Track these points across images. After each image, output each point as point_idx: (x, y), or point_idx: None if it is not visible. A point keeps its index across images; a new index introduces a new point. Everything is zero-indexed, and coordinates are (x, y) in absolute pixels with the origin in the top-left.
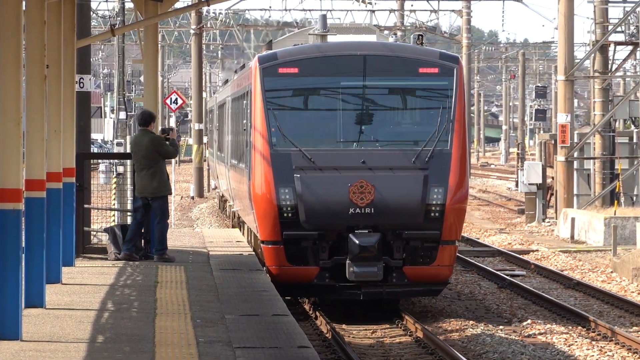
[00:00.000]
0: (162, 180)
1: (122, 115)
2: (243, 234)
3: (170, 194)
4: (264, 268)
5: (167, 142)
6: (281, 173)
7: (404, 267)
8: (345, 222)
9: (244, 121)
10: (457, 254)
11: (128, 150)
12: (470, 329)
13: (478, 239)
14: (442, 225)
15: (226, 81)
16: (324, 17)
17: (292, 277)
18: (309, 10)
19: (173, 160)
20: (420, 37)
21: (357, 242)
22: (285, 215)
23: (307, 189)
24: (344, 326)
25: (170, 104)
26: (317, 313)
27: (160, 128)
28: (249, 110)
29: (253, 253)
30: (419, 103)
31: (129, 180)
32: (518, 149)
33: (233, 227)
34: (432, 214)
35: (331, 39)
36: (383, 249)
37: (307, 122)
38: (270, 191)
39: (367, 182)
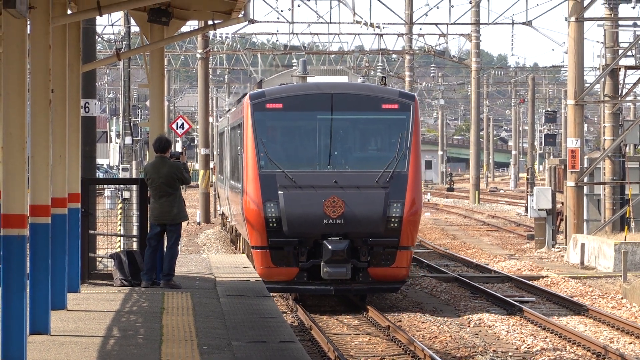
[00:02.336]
0: (181, 206)
1: (128, 140)
2: (238, 245)
3: (187, 220)
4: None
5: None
6: (268, 190)
7: (368, 268)
8: (320, 231)
9: (238, 147)
10: (467, 280)
11: (134, 176)
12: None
13: (487, 264)
14: (400, 233)
15: (229, 110)
16: (304, 62)
17: (276, 276)
18: (317, 34)
19: None
20: (383, 78)
21: (330, 247)
22: (271, 225)
23: (289, 204)
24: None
25: (177, 128)
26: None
27: (169, 152)
28: (242, 139)
29: (260, 279)
30: (381, 133)
31: (134, 206)
32: (527, 174)
33: (232, 241)
34: (392, 225)
35: (311, 79)
36: (351, 253)
37: (290, 148)
38: (259, 205)
39: (338, 198)
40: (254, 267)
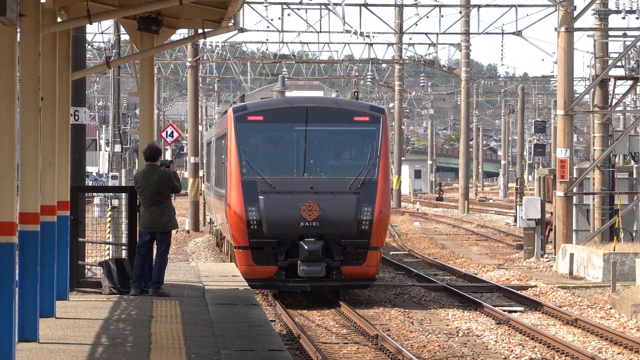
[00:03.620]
0: (171, 215)
1: (118, 148)
2: (222, 247)
3: (178, 228)
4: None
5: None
6: (249, 195)
7: (341, 267)
8: (297, 233)
9: (223, 156)
10: (456, 289)
11: (123, 184)
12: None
13: (476, 274)
14: (370, 235)
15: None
16: (283, 78)
17: (257, 274)
18: (306, 43)
19: None
20: (355, 93)
21: (306, 247)
22: (252, 227)
23: (269, 208)
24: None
25: (166, 137)
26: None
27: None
28: (226, 148)
29: (249, 288)
30: (353, 143)
31: (124, 214)
32: (517, 184)
33: (217, 244)
34: (363, 227)
35: (289, 94)
36: (326, 253)
37: (269, 156)
38: (241, 209)
39: (314, 202)
40: (236, 266)
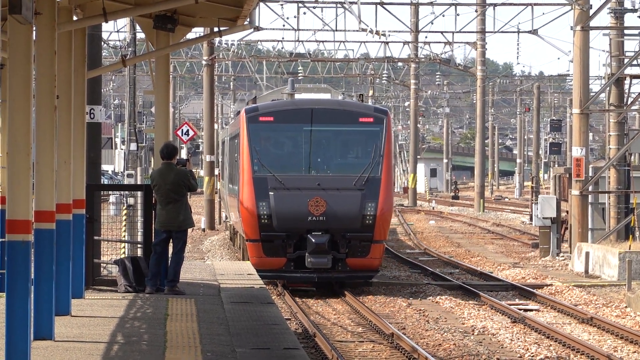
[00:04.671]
0: (187, 213)
1: (133, 146)
2: (235, 241)
3: (194, 226)
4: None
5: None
6: (260, 191)
7: (347, 259)
8: (305, 226)
9: (236, 154)
10: (471, 288)
11: (139, 182)
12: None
13: (492, 273)
14: (374, 229)
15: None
16: (292, 81)
17: (267, 265)
18: (322, 41)
19: None
20: (361, 95)
21: (313, 240)
22: (263, 221)
23: (278, 203)
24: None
25: (182, 135)
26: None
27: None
28: (238, 147)
29: (264, 286)
30: (358, 143)
31: (139, 212)
32: (532, 183)
33: (231, 238)
34: (367, 221)
35: (298, 96)
36: (332, 246)
37: (279, 155)
38: (253, 204)
39: (321, 198)
40: (248, 259)
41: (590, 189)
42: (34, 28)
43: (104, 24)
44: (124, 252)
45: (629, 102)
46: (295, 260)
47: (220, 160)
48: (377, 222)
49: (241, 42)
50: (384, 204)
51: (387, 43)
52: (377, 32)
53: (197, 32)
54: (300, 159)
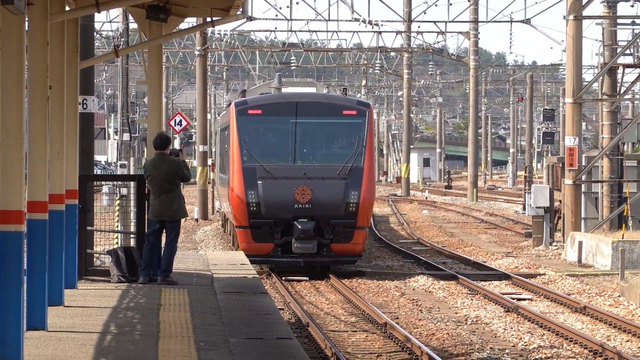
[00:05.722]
0: (181, 203)
1: (126, 136)
2: (226, 228)
3: (187, 216)
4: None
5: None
6: (249, 180)
7: (331, 244)
8: (292, 213)
9: (226, 145)
10: (464, 277)
11: (132, 172)
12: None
13: (485, 262)
14: (357, 216)
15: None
16: (279, 76)
17: (256, 251)
18: (315, 31)
19: None
20: (344, 89)
21: (299, 227)
22: (251, 208)
23: (266, 191)
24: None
25: (175, 125)
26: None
27: (169, 149)
28: (228, 138)
29: (257, 276)
30: (342, 134)
31: (132, 202)
32: (525, 172)
33: (223, 225)
34: (350, 209)
35: (285, 90)
36: (317, 232)
37: (267, 146)
38: (242, 192)
39: (307, 187)
40: (238, 245)
41: (583, 178)
42: (27, 18)
43: (96, 14)
44: (117, 243)
45: (621, 92)
46: (282, 246)
47: (214, 150)
48: (360, 209)
49: (234, 32)
50: (366, 192)
51: (380, 33)
52: (370, 22)
53: (189, 22)
54: (287, 150)
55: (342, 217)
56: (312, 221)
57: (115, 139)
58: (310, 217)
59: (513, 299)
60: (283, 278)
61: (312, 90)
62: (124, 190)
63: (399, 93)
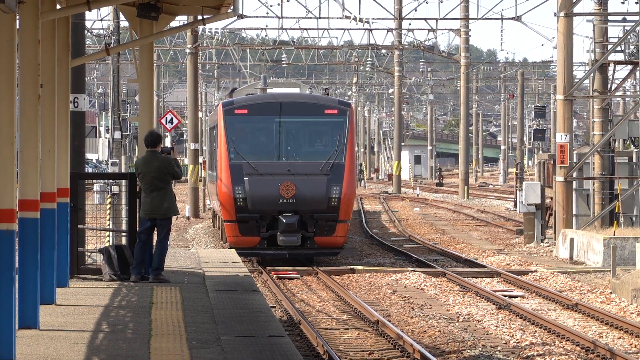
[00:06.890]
0: (172, 201)
1: (117, 135)
2: (215, 223)
3: (178, 214)
4: (226, 240)
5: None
6: (236, 177)
7: (314, 237)
8: (277, 208)
9: (214, 144)
10: (456, 275)
11: (123, 170)
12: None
13: (476, 259)
14: (338, 210)
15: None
16: (264, 77)
17: (243, 244)
18: (306, 29)
19: None
20: (326, 90)
21: (284, 221)
22: (238, 203)
23: (252, 187)
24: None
25: (166, 123)
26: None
27: (160, 147)
28: (217, 137)
29: (249, 274)
30: (324, 132)
31: (123, 201)
32: (517, 169)
33: (212, 221)
34: (332, 203)
35: (270, 90)
36: (301, 226)
37: (253, 144)
38: (229, 188)
39: (291, 182)
40: (226, 239)
41: (574, 175)
42: (17, 17)
43: (87, 12)
44: (109, 241)
45: (612, 89)
46: (268, 239)
47: (205, 148)
48: (341, 203)
49: (225, 30)
50: (347, 187)
51: (370, 30)
52: (361, 20)
53: (180, 20)
54: (272, 147)
55: (324, 211)
56: (296, 215)
57: (106, 137)
58: (294, 211)
59: (505, 296)
60: (275, 276)
61: (296, 90)
62: (115, 189)
63: (390, 90)
